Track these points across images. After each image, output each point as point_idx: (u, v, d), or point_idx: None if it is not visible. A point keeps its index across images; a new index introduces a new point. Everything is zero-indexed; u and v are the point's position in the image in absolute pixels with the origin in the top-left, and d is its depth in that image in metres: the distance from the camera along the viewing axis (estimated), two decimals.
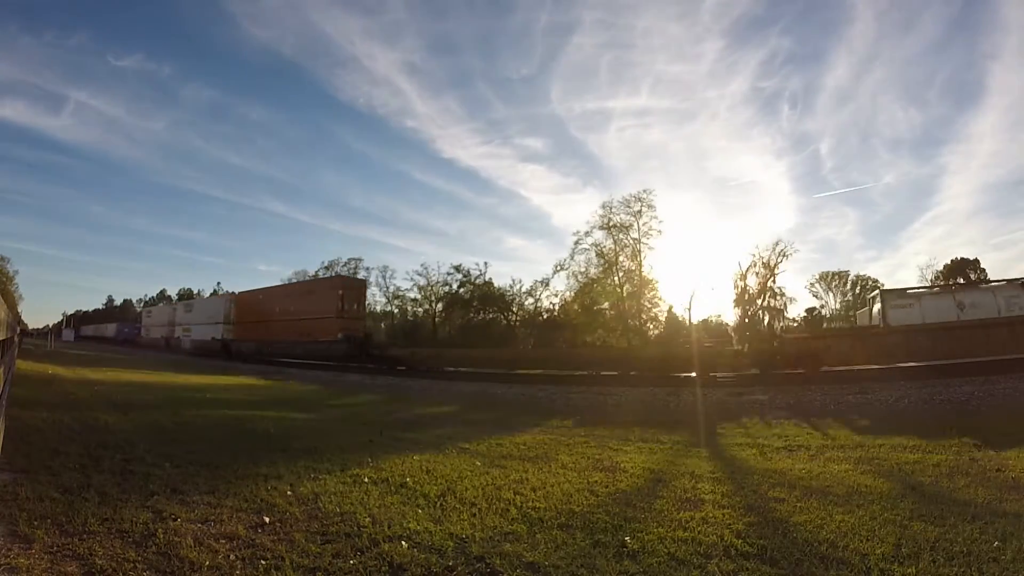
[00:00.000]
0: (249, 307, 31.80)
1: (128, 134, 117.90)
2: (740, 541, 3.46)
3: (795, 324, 49.93)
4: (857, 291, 57.88)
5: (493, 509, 4.15)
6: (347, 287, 26.24)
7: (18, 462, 4.82)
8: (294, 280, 49.10)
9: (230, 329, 31.97)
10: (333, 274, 47.91)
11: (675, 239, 68.13)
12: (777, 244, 39.81)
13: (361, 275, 46.85)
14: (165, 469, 4.95)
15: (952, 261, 55.11)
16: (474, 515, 3.98)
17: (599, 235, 37.20)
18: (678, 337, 35.34)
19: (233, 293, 35.40)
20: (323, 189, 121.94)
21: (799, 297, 61.08)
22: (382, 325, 48.82)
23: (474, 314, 41.98)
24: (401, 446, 6.76)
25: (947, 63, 77.20)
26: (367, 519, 3.77)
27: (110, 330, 64.67)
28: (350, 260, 54.57)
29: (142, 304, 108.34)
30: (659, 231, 36.59)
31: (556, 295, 40.82)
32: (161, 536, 3.29)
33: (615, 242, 36.88)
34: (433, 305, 44.97)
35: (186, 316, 38.43)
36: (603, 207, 37.36)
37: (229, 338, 31.36)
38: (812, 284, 59.47)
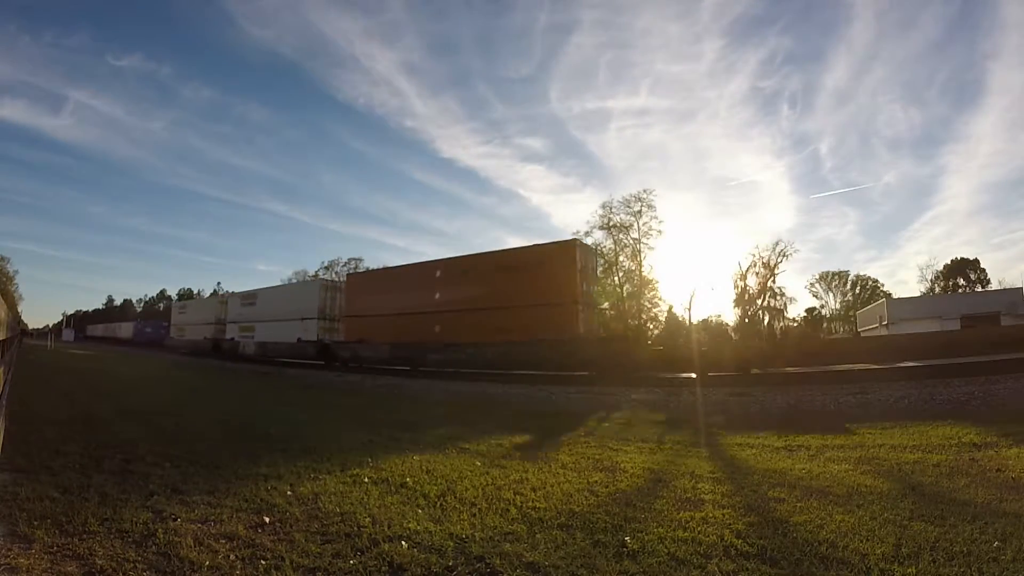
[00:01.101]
0: (370, 296, 23.22)
1: (128, 134, 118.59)
2: (740, 541, 3.45)
3: (795, 324, 50.00)
4: (857, 291, 57.94)
5: (493, 509, 4.15)
6: (585, 254, 16.67)
7: (18, 462, 4.83)
8: (293, 280, 48.31)
9: (332, 327, 24.37)
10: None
11: (675, 239, 68.50)
12: (777, 244, 40.01)
13: None
14: (165, 469, 4.96)
15: (952, 261, 55.28)
16: (474, 515, 3.98)
17: (599, 235, 37.26)
18: (678, 337, 35.35)
19: (329, 280, 26.95)
20: (322, 189, 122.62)
21: (799, 297, 61.42)
22: None
23: None
24: (401, 446, 6.76)
25: (947, 63, 77.49)
26: (367, 519, 3.77)
27: (125, 330, 56.83)
28: (350, 260, 54.73)
29: (142, 304, 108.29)
30: (659, 231, 36.70)
31: None
32: (161, 536, 3.29)
33: (615, 242, 36.95)
34: None
35: (244, 311, 30.99)
36: (603, 207, 37.47)
37: (332, 339, 23.89)
38: (812, 284, 59.68)
